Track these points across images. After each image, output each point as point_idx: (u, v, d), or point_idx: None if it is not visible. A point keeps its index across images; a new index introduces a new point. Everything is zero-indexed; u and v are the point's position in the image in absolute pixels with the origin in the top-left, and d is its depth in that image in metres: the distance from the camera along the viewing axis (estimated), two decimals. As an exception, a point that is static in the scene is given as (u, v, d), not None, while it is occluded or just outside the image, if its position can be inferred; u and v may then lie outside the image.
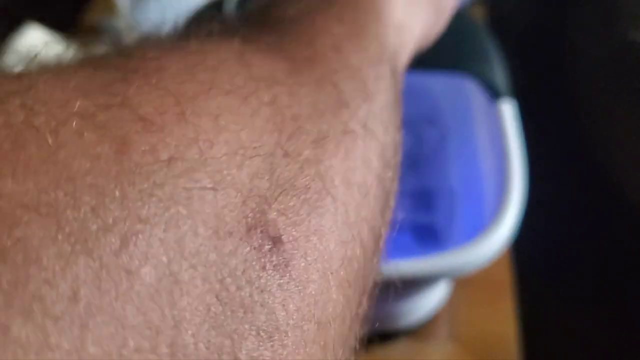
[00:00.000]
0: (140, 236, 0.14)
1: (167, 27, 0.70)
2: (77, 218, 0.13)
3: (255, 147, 0.17)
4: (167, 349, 0.14)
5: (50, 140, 0.13)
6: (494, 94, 0.46)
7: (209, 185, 0.16)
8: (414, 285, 0.42)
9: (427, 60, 0.47)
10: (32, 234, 0.13)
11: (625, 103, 0.96)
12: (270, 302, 0.16)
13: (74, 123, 0.15)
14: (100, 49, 0.68)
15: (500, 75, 0.48)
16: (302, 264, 0.17)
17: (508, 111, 0.45)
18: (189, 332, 0.14)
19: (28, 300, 0.12)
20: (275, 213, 0.17)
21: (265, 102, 0.19)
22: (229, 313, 0.15)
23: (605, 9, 1.05)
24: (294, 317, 0.17)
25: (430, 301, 0.51)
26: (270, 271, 0.16)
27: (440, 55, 0.47)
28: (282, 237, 0.17)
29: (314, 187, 0.19)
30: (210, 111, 0.17)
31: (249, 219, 0.16)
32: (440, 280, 0.42)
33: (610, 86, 0.99)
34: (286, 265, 0.17)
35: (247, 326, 0.15)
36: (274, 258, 0.17)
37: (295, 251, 0.17)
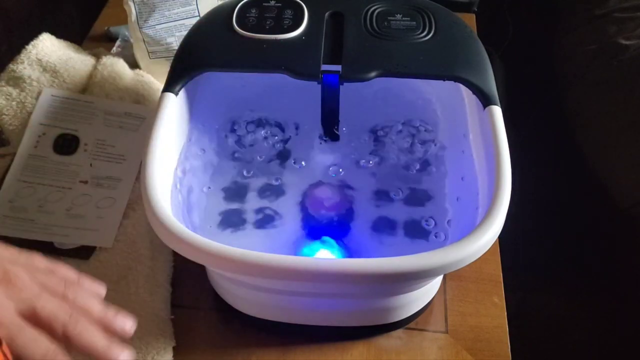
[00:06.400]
0: None
1: (170, 39, 0.71)
2: None
3: None
4: None
5: None
6: (485, 100, 0.48)
7: None
8: (409, 280, 0.43)
9: (424, 68, 0.50)
10: None
11: (614, 108, 0.99)
12: None
13: None
14: (109, 57, 0.70)
15: (491, 82, 0.50)
16: None
17: (498, 116, 0.47)
18: None
19: None
20: None
21: None
22: None
23: (595, 15, 1.08)
24: None
25: (424, 295, 0.53)
26: None
27: (436, 64, 0.50)
28: None
29: None
30: None
31: None
32: (435, 275, 0.43)
33: (599, 91, 1.02)
34: None
35: None
36: None
37: None
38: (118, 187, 0.60)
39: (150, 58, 0.70)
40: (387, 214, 0.55)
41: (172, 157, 0.50)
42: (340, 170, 0.58)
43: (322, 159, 0.59)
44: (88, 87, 0.66)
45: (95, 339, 0.34)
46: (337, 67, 0.49)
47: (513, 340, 0.52)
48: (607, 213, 0.99)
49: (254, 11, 0.54)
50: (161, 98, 0.49)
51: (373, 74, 0.48)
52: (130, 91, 0.67)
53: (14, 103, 0.63)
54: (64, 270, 0.38)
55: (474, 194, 0.47)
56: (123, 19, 0.71)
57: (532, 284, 0.95)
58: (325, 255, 0.51)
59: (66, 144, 0.62)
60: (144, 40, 0.69)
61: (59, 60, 0.66)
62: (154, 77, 0.70)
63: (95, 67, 0.68)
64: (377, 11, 0.54)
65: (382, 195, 0.56)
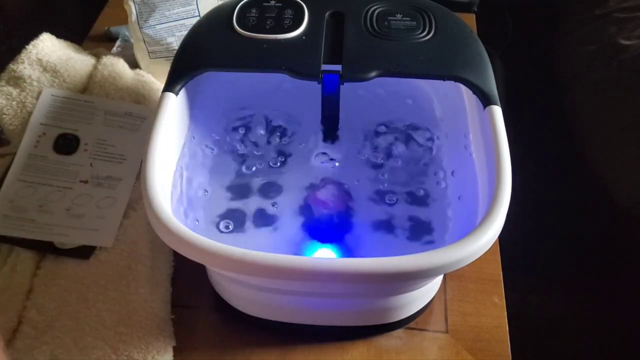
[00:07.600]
0: None
1: (170, 39, 0.71)
2: None
3: None
4: None
5: None
6: (486, 100, 0.48)
7: None
8: (409, 280, 0.43)
9: (425, 68, 0.50)
10: None
11: (614, 108, 0.99)
12: None
13: None
14: (109, 57, 0.70)
15: (491, 82, 0.50)
16: None
17: (498, 116, 0.47)
18: None
19: None
20: None
21: None
22: None
23: (595, 15, 1.08)
24: None
25: (424, 295, 0.53)
26: None
27: (437, 64, 0.50)
28: None
29: None
30: None
31: None
32: (434, 275, 0.43)
33: (599, 91, 1.02)
34: None
35: None
36: None
37: None
38: (118, 187, 0.60)
39: (150, 58, 0.70)
40: (387, 214, 0.55)
41: (172, 157, 0.50)
42: (340, 169, 0.58)
43: (322, 158, 0.59)
44: (88, 87, 0.66)
45: None
46: (338, 67, 0.49)
47: (513, 340, 0.52)
48: (607, 213, 0.99)
49: (254, 11, 0.54)
50: (161, 98, 0.49)
51: (373, 73, 0.48)
52: (130, 91, 0.67)
53: (14, 103, 0.63)
54: None
55: (474, 193, 0.47)
56: (123, 19, 0.71)
57: (532, 284, 0.95)
58: (325, 254, 0.51)
59: (66, 144, 0.62)
60: (144, 40, 0.69)
61: (59, 60, 0.66)
62: (154, 77, 0.70)
63: (95, 67, 0.68)
64: (377, 11, 0.54)
65: (382, 195, 0.56)
